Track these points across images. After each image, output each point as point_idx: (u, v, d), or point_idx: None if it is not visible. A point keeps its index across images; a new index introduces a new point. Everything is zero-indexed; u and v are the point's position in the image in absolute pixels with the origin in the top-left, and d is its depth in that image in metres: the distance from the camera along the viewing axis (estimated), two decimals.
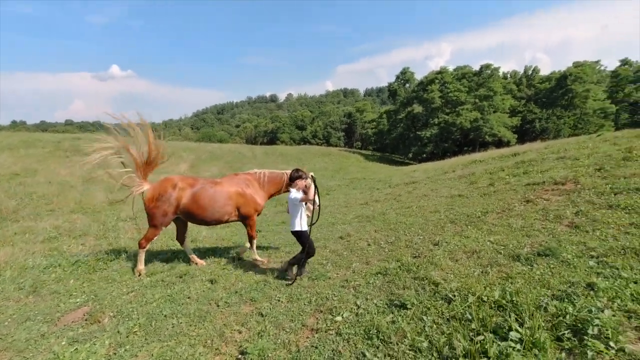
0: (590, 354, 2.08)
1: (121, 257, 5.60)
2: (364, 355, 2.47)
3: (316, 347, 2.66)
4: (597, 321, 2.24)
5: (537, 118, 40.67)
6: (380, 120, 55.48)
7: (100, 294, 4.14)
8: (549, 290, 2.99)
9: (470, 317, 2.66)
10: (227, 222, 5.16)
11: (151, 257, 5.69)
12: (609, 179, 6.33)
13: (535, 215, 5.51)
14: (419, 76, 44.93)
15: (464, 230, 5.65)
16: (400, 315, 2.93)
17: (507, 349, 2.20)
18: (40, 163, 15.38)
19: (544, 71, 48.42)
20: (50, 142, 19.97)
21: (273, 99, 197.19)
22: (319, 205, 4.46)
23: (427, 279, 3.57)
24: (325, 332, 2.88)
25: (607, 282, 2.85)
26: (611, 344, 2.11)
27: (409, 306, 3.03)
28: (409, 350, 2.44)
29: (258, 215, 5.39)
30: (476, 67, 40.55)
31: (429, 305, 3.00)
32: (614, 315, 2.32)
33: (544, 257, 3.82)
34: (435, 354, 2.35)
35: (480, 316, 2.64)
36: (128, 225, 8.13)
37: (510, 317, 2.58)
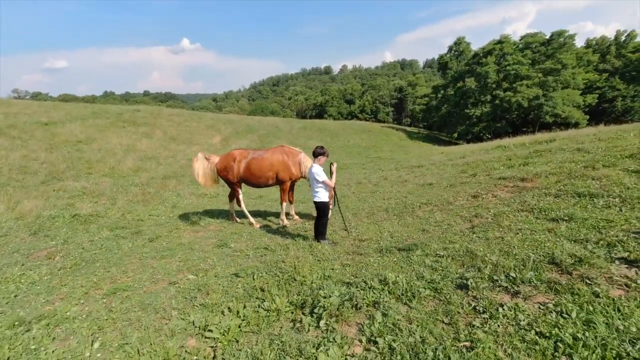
0: (299, 325, 2.60)
1: (108, 215, 7.15)
2: (171, 303, 3.29)
3: (153, 294, 3.56)
4: (323, 302, 2.70)
5: (621, 96, 33.65)
6: (432, 95, 51.65)
7: (70, 240, 5.61)
8: (358, 279, 3.38)
9: (261, 288, 3.28)
10: (270, 185, 6.25)
11: (130, 218, 7.14)
12: (575, 179, 5.87)
13: (463, 212, 5.51)
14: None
15: (386, 220, 5.90)
16: (230, 281, 3.65)
17: (251, 312, 2.83)
18: (100, 132, 18.40)
19: None
20: (114, 113, 23.40)
21: (327, 70, 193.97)
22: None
23: (284, 262, 4.11)
24: (173, 284, 3.75)
25: (401, 277, 3.15)
26: (321, 322, 2.58)
27: (241, 275, 3.72)
28: (200, 305, 3.18)
29: (293, 183, 6.29)
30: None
31: (255, 277, 3.64)
32: (340, 298, 2.73)
33: (402, 252, 4.07)
34: (214, 311, 3.05)
35: (272, 291, 3.23)
36: (138, 189, 9.89)
37: (285, 292, 3.14)
